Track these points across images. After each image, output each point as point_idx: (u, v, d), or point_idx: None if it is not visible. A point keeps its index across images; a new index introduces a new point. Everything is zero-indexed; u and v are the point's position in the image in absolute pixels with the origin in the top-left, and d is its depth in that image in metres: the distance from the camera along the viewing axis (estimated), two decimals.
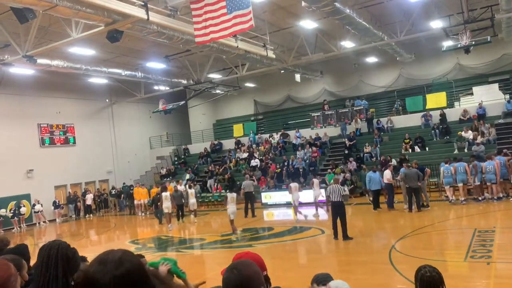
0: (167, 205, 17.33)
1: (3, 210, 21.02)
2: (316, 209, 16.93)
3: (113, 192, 26.67)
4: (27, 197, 22.44)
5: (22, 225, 21.80)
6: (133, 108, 30.28)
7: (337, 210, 11.47)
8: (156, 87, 27.61)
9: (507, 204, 14.39)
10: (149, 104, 29.40)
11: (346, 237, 11.34)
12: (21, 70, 19.22)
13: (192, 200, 18.50)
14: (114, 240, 16.68)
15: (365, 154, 22.28)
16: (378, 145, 22.49)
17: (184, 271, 2.76)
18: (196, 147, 30.24)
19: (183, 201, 18.56)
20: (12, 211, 21.45)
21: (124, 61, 22.97)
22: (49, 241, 2.60)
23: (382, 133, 23.68)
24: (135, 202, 22.90)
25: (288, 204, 19.61)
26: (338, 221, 11.43)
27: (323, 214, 16.60)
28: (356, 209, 17.29)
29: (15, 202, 21.77)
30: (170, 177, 26.92)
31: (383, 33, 19.86)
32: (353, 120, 24.84)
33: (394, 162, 18.94)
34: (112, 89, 27.66)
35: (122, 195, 25.81)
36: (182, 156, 30.38)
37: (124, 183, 27.55)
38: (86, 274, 1.33)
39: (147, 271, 1.39)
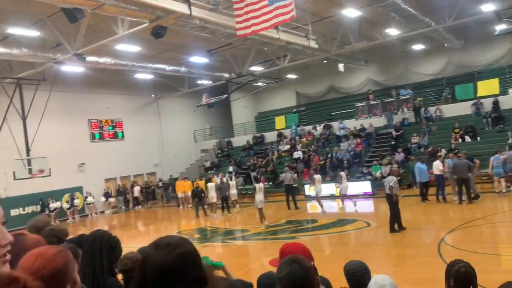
0: (212, 195, 18.07)
1: (58, 202, 22.17)
2: (342, 202, 16.65)
3: (160, 185, 27.48)
4: (79, 189, 23.52)
5: (75, 216, 22.91)
6: (178, 102, 30.91)
7: (388, 201, 11.18)
8: (199, 82, 28.05)
9: None
10: (193, 98, 29.92)
11: (392, 230, 11.06)
12: (72, 68, 20.09)
13: (233, 191, 19.23)
14: (161, 231, 17.17)
15: (413, 145, 21.61)
16: (426, 135, 21.75)
17: (220, 261, 2.81)
18: (239, 140, 30.51)
19: (228, 192, 18.98)
20: (68, 203, 22.64)
21: (168, 57, 23.46)
22: (92, 231, 2.72)
23: (430, 123, 22.85)
24: (178, 195, 23.36)
25: (332, 196, 19.46)
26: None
27: (351, 207, 16.04)
28: (403, 201, 16.82)
29: (69, 194, 22.91)
30: (214, 170, 27.34)
31: (430, 19, 19.08)
32: (399, 110, 24.14)
33: (443, 152, 18.25)
34: (157, 84, 28.36)
35: (170, 187, 26.51)
36: (225, 149, 30.75)
37: (170, 176, 28.29)
38: (146, 258, 1.38)
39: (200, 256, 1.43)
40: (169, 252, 1.35)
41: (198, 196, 18.96)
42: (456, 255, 8.18)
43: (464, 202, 13.98)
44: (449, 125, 21.97)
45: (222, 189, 18.55)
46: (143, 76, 25.23)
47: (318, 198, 16.02)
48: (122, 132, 27.21)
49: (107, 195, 24.75)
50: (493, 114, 20.73)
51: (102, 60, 18.80)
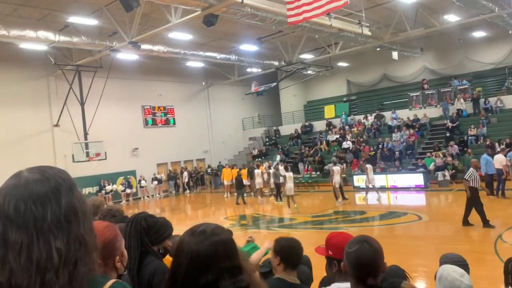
0: (259, 181, 18.96)
1: (114, 185, 23.21)
2: (366, 193, 16.70)
3: (208, 171, 28.04)
4: (133, 173, 24.48)
5: (129, 198, 23.90)
6: (227, 90, 31.22)
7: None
8: (248, 70, 28.14)
9: None
10: (242, 86, 30.09)
11: (486, 223, 10.39)
12: (127, 56, 20.76)
13: (290, 185, 15.88)
14: (210, 215, 17.55)
15: (470, 137, 20.60)
16: (485, 127, 20.64)
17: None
18: (287, 129, 30.41)
19: (281, 180, 18.38)
20: (122, 185, 23.68)
21: (219, 45, 23.67)
22: (135, 214, 2.82)
23: (489, 114, 21.65)
24: (224, 182, 23.42)
25: (382, 188, 19.02)
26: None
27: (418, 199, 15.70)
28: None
29: (123, 177, 23.91)
30: (262, 158, 27.48)
31: (493, 4, 17.94)
32: (456, 100, 23.03)
33: (503, 145, 17.28)
34: (207, 72, 28.76)
35: (218, 173, 26.99)
36: (273, 137, 30.78)
37: (219, 162, 28.76)
38: (180, 244, 1.40)
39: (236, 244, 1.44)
40: (204, 240, 1.36)
41: (238, 184, 19.24)
42: None
43: None
44: (510, 117, 20.73)
45: (275, 177, 18.71)
46: (194, 64, 25.65)
47: (335, 189, 16.24)
48: (174, 118, 27.90)
49: (157, 179, 25.59)
50: None
51: (155, 48, 19.31)
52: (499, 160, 14.45)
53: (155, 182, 25.35)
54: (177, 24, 15.28)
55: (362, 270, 1.92)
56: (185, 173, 26.47)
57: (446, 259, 3.11)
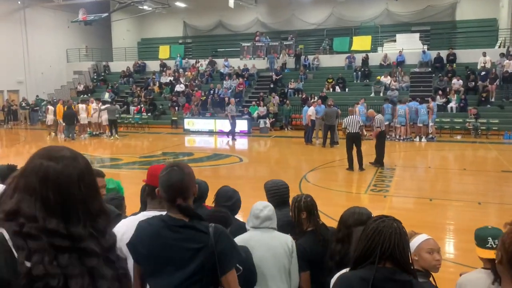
0: (83, 116, 19.00)
1: None
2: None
3: (23, 104, 24.87)
4: None
5: None
6: (50, 15, 27.56)
7: (354, 141, 11.43)
8: None
9: (412, 145, 16.03)
10: (68, 12, 26.97)
11: (362, 167, 11.46)
12: None
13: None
14: (24, 154, 15.85)
15: (289, 90, 22.77)
16: (302, 82, 23.05)
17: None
18: (118, 65, 28.69)
19: (117, 115, 19.33)
20: None
21: None
22: None
23: (307, 71, 24.18)
24: (49, 118, 21.19)
25: (211, 132, 19.93)
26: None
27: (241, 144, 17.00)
28: (276, 141, 17.98)
29: None
30: (88, 94, 25.60)
31: None
32: (281, 54, 24.97)
33: (316, 99, 19.65)
34: None
35: (39, 109, 24.19)
36: (102, 73, 28.81)
37: (37, 96, 25.79)
38: (47, 170, 1.29)
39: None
40: (78, 163, 1.33)
41: (69, 119, 18.07)
42: (313, 191, 9.19)
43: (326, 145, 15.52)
44: (324, 74, 23.54)
45: (110, 112, 18.56)
46: None
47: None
48: None
49: None
50: (363, 69, 22.73)
51: None
52: (311, 112, 16.47)
53: None
54: None
55: (171, 191, 2.05)
56: None
57: (267, 186, 3.74)
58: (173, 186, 2.04)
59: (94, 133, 19.69)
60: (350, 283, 1.83)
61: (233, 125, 17.97)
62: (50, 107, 20.10)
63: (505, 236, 1.51)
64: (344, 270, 2.11)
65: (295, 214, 3.26)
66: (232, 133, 17.90)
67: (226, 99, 22.38)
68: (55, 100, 23.23)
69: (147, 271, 2.09)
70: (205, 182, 3.80)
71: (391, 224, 1.83)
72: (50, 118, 19.85)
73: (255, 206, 3.03)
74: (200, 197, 3.47)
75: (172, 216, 2.05)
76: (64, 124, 18.42)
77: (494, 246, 2.54)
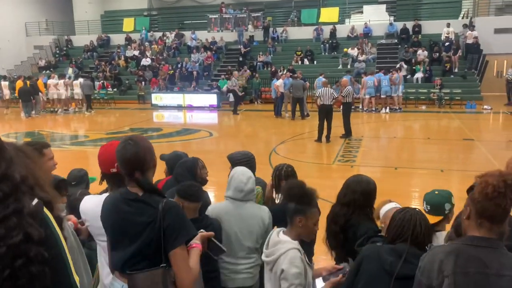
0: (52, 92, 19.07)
1: None
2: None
3: None
4: None
5: None
6: None
7: (327, 113, 11.44)
8: None
9: (378, 116, 16.34)
10: None
11: (329, 139, 11.56)
12: None
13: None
14: None
15: (258, 63, 22.62)
16: (271, 55, 22.92)
17: None
18: (81, 39, 27.66)
19: (92, 91, 19.55)
20: None
21: None
22: None
23: (276, 43, 24.02)
24: (5, 93, 20.33)
25: (179, 107, 19.69)
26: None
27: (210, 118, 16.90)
28: (246, 115, 17.96)
29: None
30: (51, 70, 24.67)
31: None
32: (250, 27, 24.65)
33: (285, 72, 19.63)
34: None
35: None
36: (64, 48, 27.74)
37: None
38: None
39: None
40: None
41: (25, 96, 17.58)
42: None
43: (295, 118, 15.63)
44: (292, 47, 23.45)
45: (85, 87, 18.61)
46: None
47: None
48: None
49: None
50: (330, 41, 22.77)
51: None
52: (278, 83, 16.50)
53: None
54: None
55: (127, 165, 2.04)
56: None
57: (232, 159, 3.59)
58: (129, 160, 2.03)
59: (56, 109, 19.22)
60: (383, 252, 2.20)
61: (237, 98, 17.91)
62: (3, 82, 20.05)
63: (474, 192, 1.69)
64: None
65: (275, 181, 3.52)
66: (234, 107, 17.62)
67: (195, 73, 22.06)
68: (15, 76, 22.35)
69: (111, 243, 2.12)
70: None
71: (417, 213, 2.27)
72: (6, 92, 19.82)
73: (238, 178, 2.98)
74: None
75: (128, 190, 2.06)
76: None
77: (447, 211, 2.67)
